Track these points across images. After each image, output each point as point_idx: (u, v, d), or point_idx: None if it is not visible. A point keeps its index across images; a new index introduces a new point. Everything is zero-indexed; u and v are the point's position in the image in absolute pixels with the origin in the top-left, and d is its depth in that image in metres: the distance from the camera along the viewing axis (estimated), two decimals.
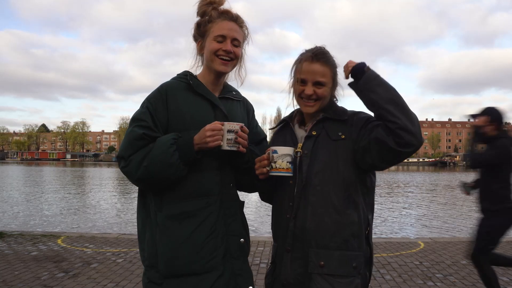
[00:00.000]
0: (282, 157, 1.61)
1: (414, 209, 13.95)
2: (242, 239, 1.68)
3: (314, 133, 1.68)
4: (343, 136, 1.63)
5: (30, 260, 5.18)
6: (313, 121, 1.72)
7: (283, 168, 1.61)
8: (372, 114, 1.63)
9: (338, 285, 1.54)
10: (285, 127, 1.83)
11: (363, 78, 1.57)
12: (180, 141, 1.58)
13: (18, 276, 4.50)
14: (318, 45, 1.72)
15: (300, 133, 1.75)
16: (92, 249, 5.81)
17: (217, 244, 1.60)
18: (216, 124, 1.58)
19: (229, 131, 1.60)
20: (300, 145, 1.71)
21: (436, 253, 5.75)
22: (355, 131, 1.62)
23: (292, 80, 1.76)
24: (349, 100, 1.85)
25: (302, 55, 1.71)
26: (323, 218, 1.59)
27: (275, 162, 1.61)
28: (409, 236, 8.44)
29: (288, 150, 1.63)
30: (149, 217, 1.65)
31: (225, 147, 1.60)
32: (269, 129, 1.84)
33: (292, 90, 1.76)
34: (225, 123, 1.61)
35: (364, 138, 1.58)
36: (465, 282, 4.43)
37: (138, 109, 1.69)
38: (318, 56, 1.67)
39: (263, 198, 1.87)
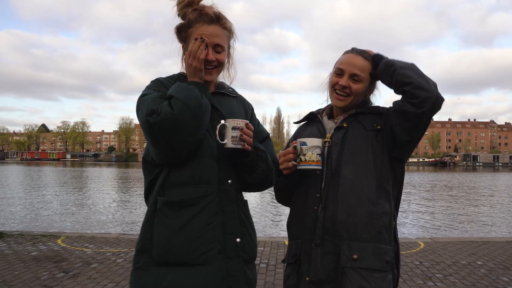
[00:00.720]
0: (311, 149, 1.54)
1: (414, 209, 13.96)
2: (238, 239, 1.60)
3: (345, 125, 1.65)
4: (379, 127, 1.62)
5: (30, 260, 5.17)
6: (345, 115, 1.69)
7: (313, 160, 1.54)
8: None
9: (372, 279, 1.47)
10: (311, 121, 1.80)
11: (383, 61, 1.59)
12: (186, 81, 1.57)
13: (18, 276, 4.49)
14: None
15: (329, 124, 1.71)
16: (92, 249, 5.80)
17: (213, 238, 1.54)
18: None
19: (233, 128, 1.53)
20: (328, 135, 1.67)
21: (436, 253, 5.75)
22: (386, 120, 1.61)
23: (330, 73, 1.75)
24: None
25: (347, 50, 1.72)
26: (355, 208, 1.53)
27: (304, 155, 1.54)
28: (409, 236, 8.43)
29: (318, 141, 1.57)
30: (150, 204, 1.61)
31: (230, 144, 1.53)
32: (294, 122, 1.81)
33: (329, 83, 1.75)
34: (230, 119, 1.55)
35: (388, 120, 1.59)
36: (465, 282, 4.42)
37: (143, 92, 1.62)
38: (361, 52, 1.67)
39: (281, 197, 1.80)
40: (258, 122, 1.86)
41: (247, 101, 1.87)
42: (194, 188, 1.55)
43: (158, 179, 1.61)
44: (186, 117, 1.47)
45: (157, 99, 1.52)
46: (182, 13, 1.64)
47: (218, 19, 1.63)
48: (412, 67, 1.54)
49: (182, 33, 1.66)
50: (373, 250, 1.51)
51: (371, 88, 1.72)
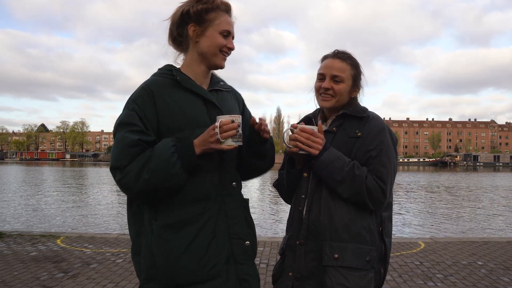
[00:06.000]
0: None
1: (415, 209, 13.94)
2: (247, 242, 1.59)
3: (334, 129, 1.70)
4: (359, 134, 1.66)
5: (29, 260, 5.16)
6: (333, 117, 1.75)
7: None
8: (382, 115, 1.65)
9: (352, 277, 1.55)
10: (308, 124, 1.82)
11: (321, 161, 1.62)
12: (180, 147, 1.47)
13: (17, 276, 4.47)
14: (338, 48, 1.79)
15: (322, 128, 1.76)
16: (92, 250, 5.79)
17: (219, 250, 1.52)
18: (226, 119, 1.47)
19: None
20: None
21: (436, 253, 5.74)
22: (363, 140, 1.64)
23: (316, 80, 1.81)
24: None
25: (325, 55, 1.79)
26: (336, 211, 1.61)
27: None
28: (409, 236, 8.42)
29: (316, 128, 1.63)
30: (143, 227, 1.54)
31: (229, 142, 1.48)
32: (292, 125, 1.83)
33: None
34: (226, 116, 1.50)
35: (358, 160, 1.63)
36: (466, 283, 4.41)
37: (123, 112, 1.54)
38: (338, 54, 1.74)
39: (287, 197, 1.84)
40: (249, 112, 1.85)
41: (238, 92, 1.84)
42: (192, 207, 1.51)
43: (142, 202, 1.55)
44: (150, 192, 1.47)
45: (129, 150, 1.45)
46: None
47: (232, 13, 1.67)
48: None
49: (203, 13, 1.59)
50: (353, 250, 1.59)
51: (355, 87, 1.77)
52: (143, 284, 1.55)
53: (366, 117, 1.69)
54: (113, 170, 1.48)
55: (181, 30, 1.63)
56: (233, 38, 1.66)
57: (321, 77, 1.74)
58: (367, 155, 1.62)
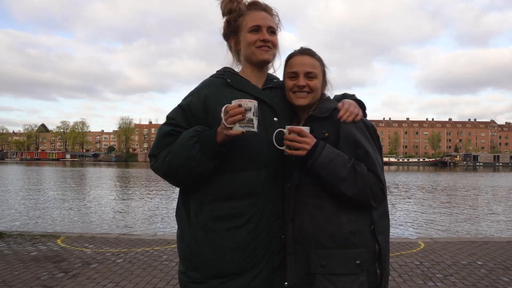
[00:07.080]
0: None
1: (414, 209, 13.94)
2: (283, 236, 1.66)
3: None
4: (327, 134, 1.63)
5: (30, 260, 5.16)
6: (303, 121, 1.72)
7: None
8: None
9: (340, 283, 1.53)
10: None
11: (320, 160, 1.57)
12: (203, 133, 1.55)
13: (17, 276, 4.48)
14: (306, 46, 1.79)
15: None
16: (92, 249, 5.80)
17: (260, 243, 1.60)
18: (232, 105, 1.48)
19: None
20: None
21: (436, 253, 5.74)
22: (340, 143, 1.60)
23: (283, 80, 1.78)
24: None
25: (290, 53, 1.77)
26: (319, 219, 1.59)
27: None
28: (409, 236, 8.42)
29: (306, 129, 1.61)
30: (189, 217, 1.64)
31: (237, 128, 1.45)
32: None
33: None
34: (235, 100, 1.47)
35: (339, 136, 1.60)
36: (466, 282, 4.41)
37: (181, 101, 1.69)
38: (306, 51, 1.74)
39: None
40: None
41: None
42: (238, 202, 1.59)
43: (190, 192, 1.65)
44: (174, 175, 1.61)
45: (162, 140, 1.63)
46: (227, 9, 1.71)
47: (266, 8, 1.72)
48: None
49: (231, 23, 1.71)
50: (339, 256, 1.56)
51: (324, 82, 1.77)
52: (186, 269, 1.64)
53: (329, 116, 1.64)
54: (150, 157, 1.68)
55: (230, 48, 1.79)
56: (270, 29, 1.69)
57: (293, 75, 1.70)
58: (355, 153, 1.58)
